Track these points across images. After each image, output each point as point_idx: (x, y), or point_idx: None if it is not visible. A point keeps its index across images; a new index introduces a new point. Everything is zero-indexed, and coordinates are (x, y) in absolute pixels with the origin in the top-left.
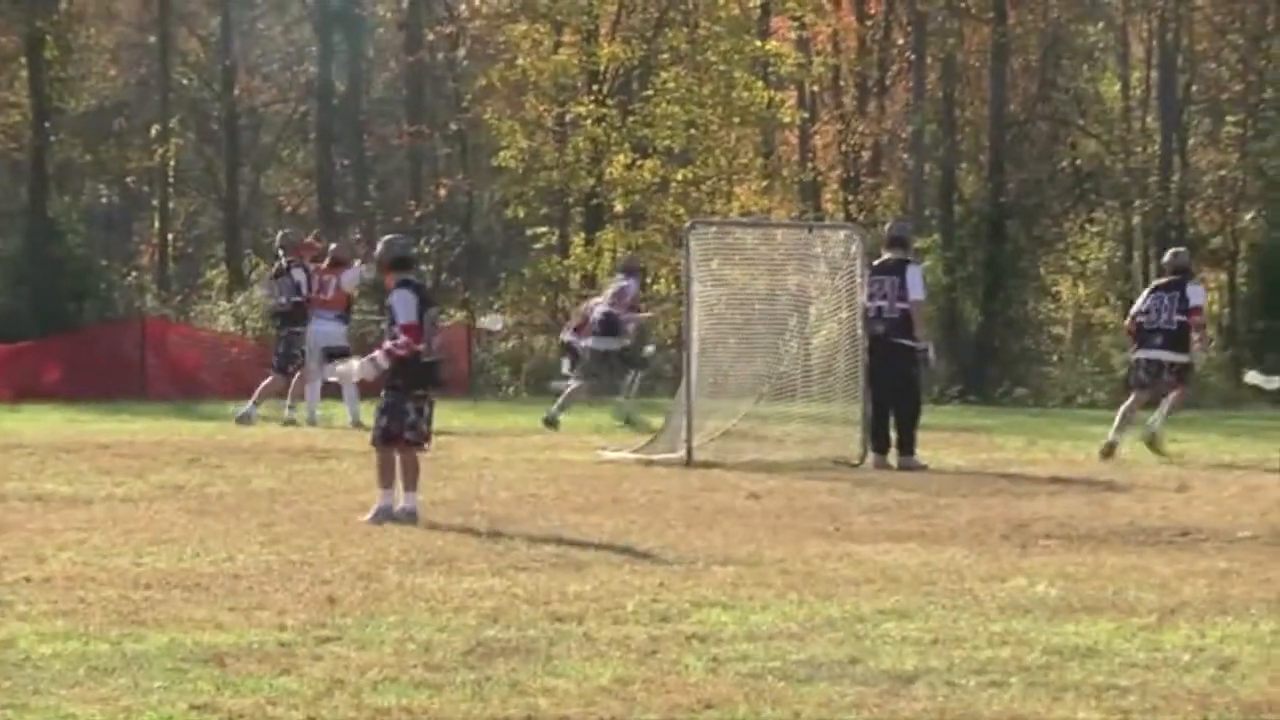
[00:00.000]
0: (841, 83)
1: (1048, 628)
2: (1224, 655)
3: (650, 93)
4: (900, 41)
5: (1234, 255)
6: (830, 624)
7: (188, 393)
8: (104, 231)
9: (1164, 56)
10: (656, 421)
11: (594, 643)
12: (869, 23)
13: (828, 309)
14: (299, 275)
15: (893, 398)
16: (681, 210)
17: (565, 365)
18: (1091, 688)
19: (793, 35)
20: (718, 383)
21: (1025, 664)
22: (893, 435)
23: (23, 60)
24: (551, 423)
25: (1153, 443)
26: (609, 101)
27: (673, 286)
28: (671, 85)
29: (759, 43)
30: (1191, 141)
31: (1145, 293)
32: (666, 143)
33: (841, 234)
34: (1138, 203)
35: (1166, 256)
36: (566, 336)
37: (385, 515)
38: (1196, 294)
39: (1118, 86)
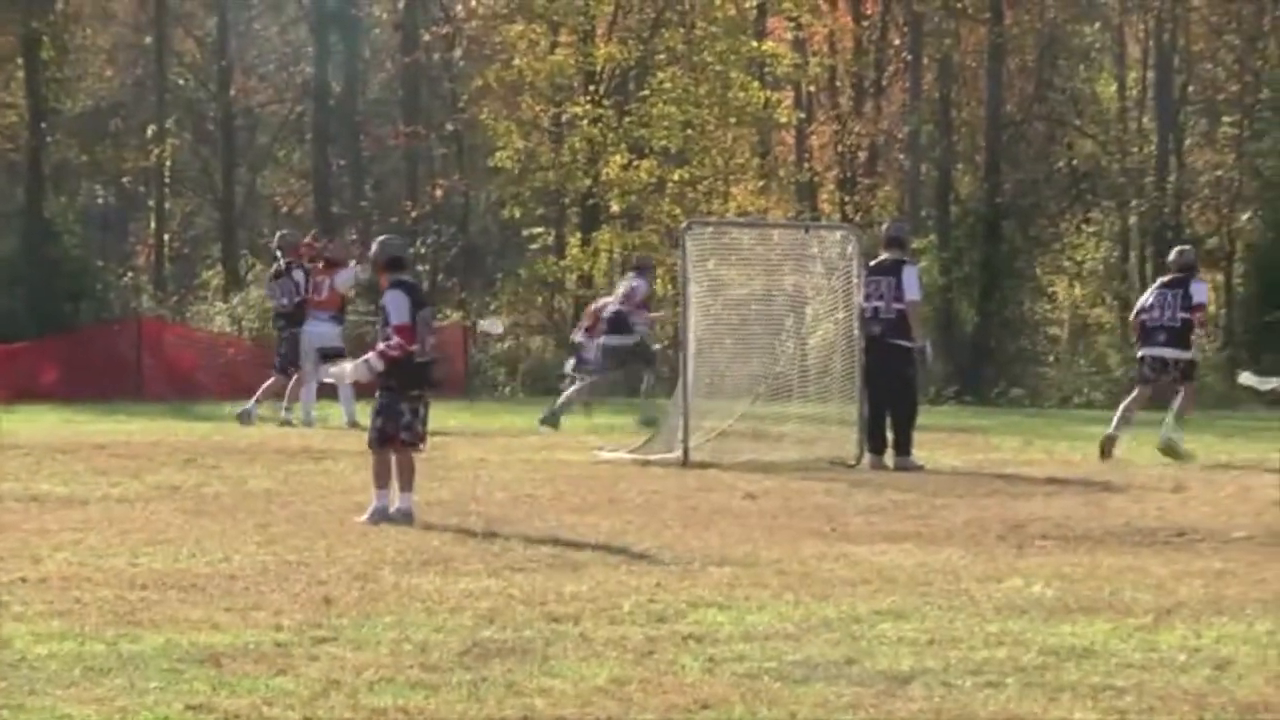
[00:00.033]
0: (838, 83)
1: (1044, 628)
2: (1220, 655)
3: (646, 93)
4: (897, 42)
5: (1230, 255)
6: (826, 624)
7: (184, 393)
8: (100, 232)
9: (1160, 57)
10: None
11: (590, 643)
12: (865, 23)
13: (824, 309)
14: (299, 276)
15: (889, 398)
16: (678, 210)
17: (568, 365)
18: (1088, 688)
19: (789, 36)
20: (714, 383)
21: (1021, 664)
22: (889, 436)
23: (19, 61)
24: (551, 421)
25: (1169, 449)
26: (605, 102)
27: (669, 287)
28: (668, 86)
29: (755, 43)
30: (1188, 142)
31: (1151, 289)
32: (663, 143)
33: (838, 234)
34: (1134, 203)
35: (1172, 255)
36: (578, 337)
37: (381, 516)
38: (1200, 291)
39: (1114, 87)
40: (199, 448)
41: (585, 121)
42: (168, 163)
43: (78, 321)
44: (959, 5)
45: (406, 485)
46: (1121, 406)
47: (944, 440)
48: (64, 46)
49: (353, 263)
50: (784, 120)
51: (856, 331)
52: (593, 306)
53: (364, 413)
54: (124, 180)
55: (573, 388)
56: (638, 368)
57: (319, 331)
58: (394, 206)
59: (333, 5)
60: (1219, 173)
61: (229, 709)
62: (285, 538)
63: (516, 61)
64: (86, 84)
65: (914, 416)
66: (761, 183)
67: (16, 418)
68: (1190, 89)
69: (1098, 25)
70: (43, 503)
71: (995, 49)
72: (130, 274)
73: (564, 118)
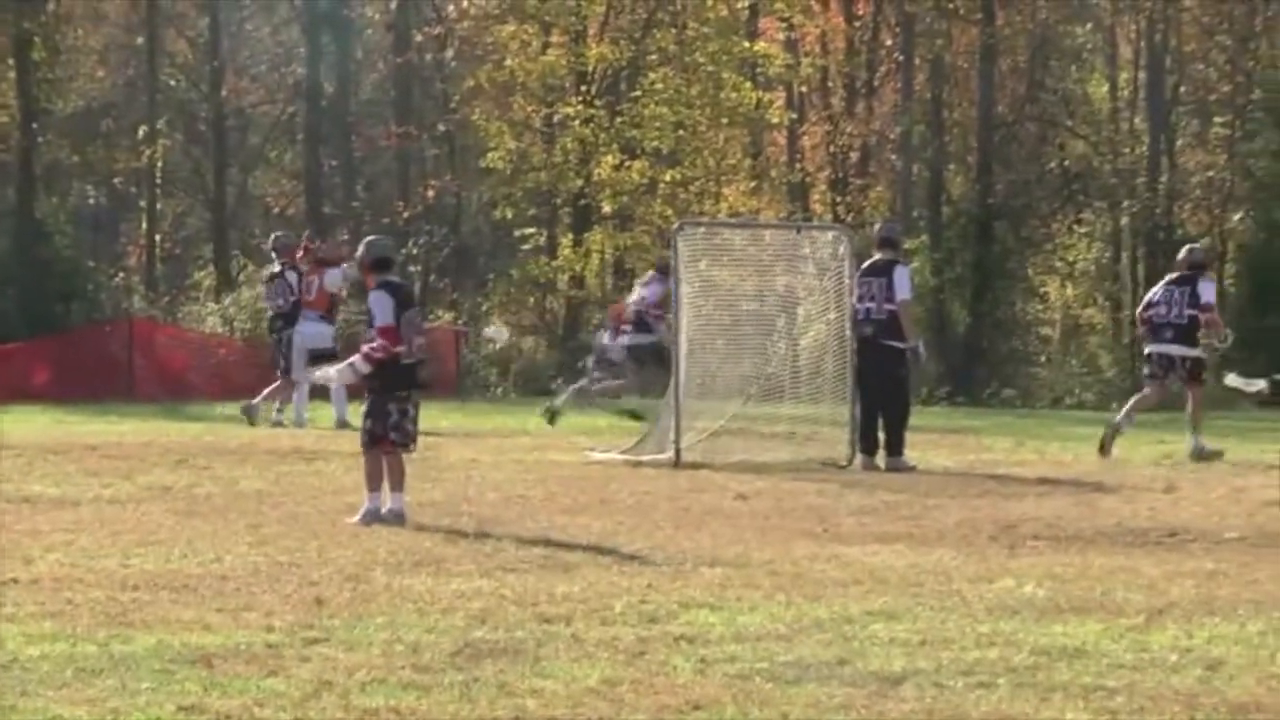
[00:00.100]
0: (830, 83)
1: (1035, 629)
2: (1211, 656)
3: (638, 94)
4: (888, 42)
5: (1222, 256)
6: (818, 625)
7: (175, 394)
8: (91, 233)
9: (1152, 57)
10: None
11: (582, 644)
12: (857, 24)
13: (816, 310)
14: (292, 278)
15: (881, 399)
16: (670, 211)
17: (590, 362)
18: (1079, 688)
19: (781, 36)
20: (706, 384)
21: (1013, 665)
22: (881, 436)
23: (10, 61)
24: (551, 413)
25: (1200, 456)
26: (597, 102)
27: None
28: (660, 86)
29: (747, 43)
30: (1179, 142)
31: (1158, 286)
32: (655, 143)
33: (830, 235)
34: (1126, 204)
35: (1182, 253)
36: (605, 340)
37: (373, 517)
38: (1207, 290)
39: (1106, 87)
40: (191, 449)
41: (577, 122)
42: (159, 163)
43: (69, 322)
44: (951, 6)
45: (397, 486)
46: (1130, 403)
47: (936, 441)
48: (55, 47)
49: (344, 263)
50: (776, 121)
51: (848, 332)
52: (614, 308)
53: (356, 414)
54: (115, 181)
55: (577, 385)
56: (654, 368)
57: (309, 331)
58: (386, 207)
59: (325, 6)
60: (1211, 173)
61: (221, 710)
62: (277, 539)
63: (508, 62)
64: (78, 84)
65: (906, 417)
66: (753, 183)
67: (8, 418)
68: (1182, 89)
69: (1089, 26)
70: (34, 504)
71: (987, 49)
72: (122, 274)
73: (556, 118)
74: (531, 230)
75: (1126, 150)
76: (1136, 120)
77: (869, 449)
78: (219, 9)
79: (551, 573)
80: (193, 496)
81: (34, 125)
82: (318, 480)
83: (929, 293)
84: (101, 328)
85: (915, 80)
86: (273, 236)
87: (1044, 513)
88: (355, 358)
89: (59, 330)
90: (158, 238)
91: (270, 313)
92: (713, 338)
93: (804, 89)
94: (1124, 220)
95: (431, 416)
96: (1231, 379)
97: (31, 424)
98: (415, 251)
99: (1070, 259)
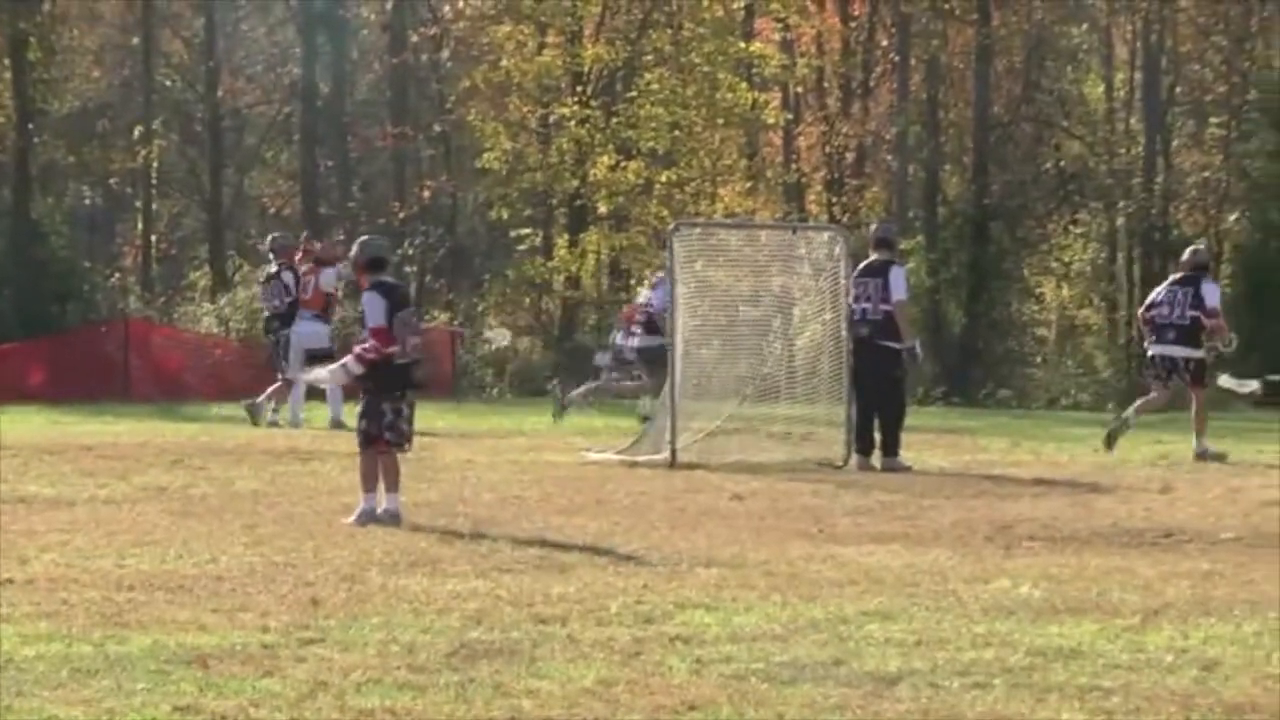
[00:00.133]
0: (825, 84)
1: (1031, 629)
2: (1207, 656)
3: (634, 94)
4: (884, 43)
5: (1217, 257)
6: (814, 626)
7: (171, 394)
8: (87, 233)
9: (1148, 58)
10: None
11: (578, 644)
12: (853, 24)
13: (811, 310)
14: (288, 278)
15: (877, 399)
16: (665, 212)
17: (604, 359)
18: (1075, 689)
19: (777, 37)
20: (701, 384)
21: (1009, 665)
22: (877, 437)
23: (6, 62)
24: (561, 409)
25: (1205, 458)
26: (593, 103)
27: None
28: (655, 87)
29: (743, 44)
30: (1175, 143)
31: (1161, 286)
32: (650, 144)
33: (825, 235)
34: (1121, 204)
35: (1186, 254)
36: (619, 340)
37: (369, 517)
38: (1212, 294)
39: (1101, 88)
40: (186, 449)
41: (573, 122)
42: (155, 164)
43: (65, 322)
44: (946, 6)
45: (392, 486)
46: (1138, 402)
47: (931, 441)
48: (51, 47)
49: (340, 263)
50: (771, 121)
51: (844, 333)
52: (626, 310)
53: (351, 414)
54: (111, 181)
55: (593, 384)
56: (664, 370)
57: (306, 331)
58: (382, 207)
59: (320, 6)
60: (1206, 174)
61: (216, 710)
62: (272, 539)
63: (504, 62)
64: (73, 85)
65: (902, 418)
66: (749, 184)
67: (3, 419)
68: (1178, 90)
69: (1085, 26)
70: (30, 504)
71: (983, 50)
72: (117, 275)
73: (551, 119)
74: (527, 231)
75: (1122, 151)
76: (1132, 121)
77: (865, 449)
78: (214, 9)
79: (547, 573)
80: (188, 497)
81: (30, 126)
82: (313, 481)
83: (924, 293)
84: (97, 328)
85: (911, 81)
86: (270, 237)
87: (1040, 513)
88: (348, 358)
89: (54, 331)
90: (153, 238)
91: (266, 313)
92: (708, 338)
93: (799, 89)
94: (1119, 221)
95: (427, 417)
96: (1224, 380)
97: (27, 424)
98: (411, 252)
99: (1066, 259)
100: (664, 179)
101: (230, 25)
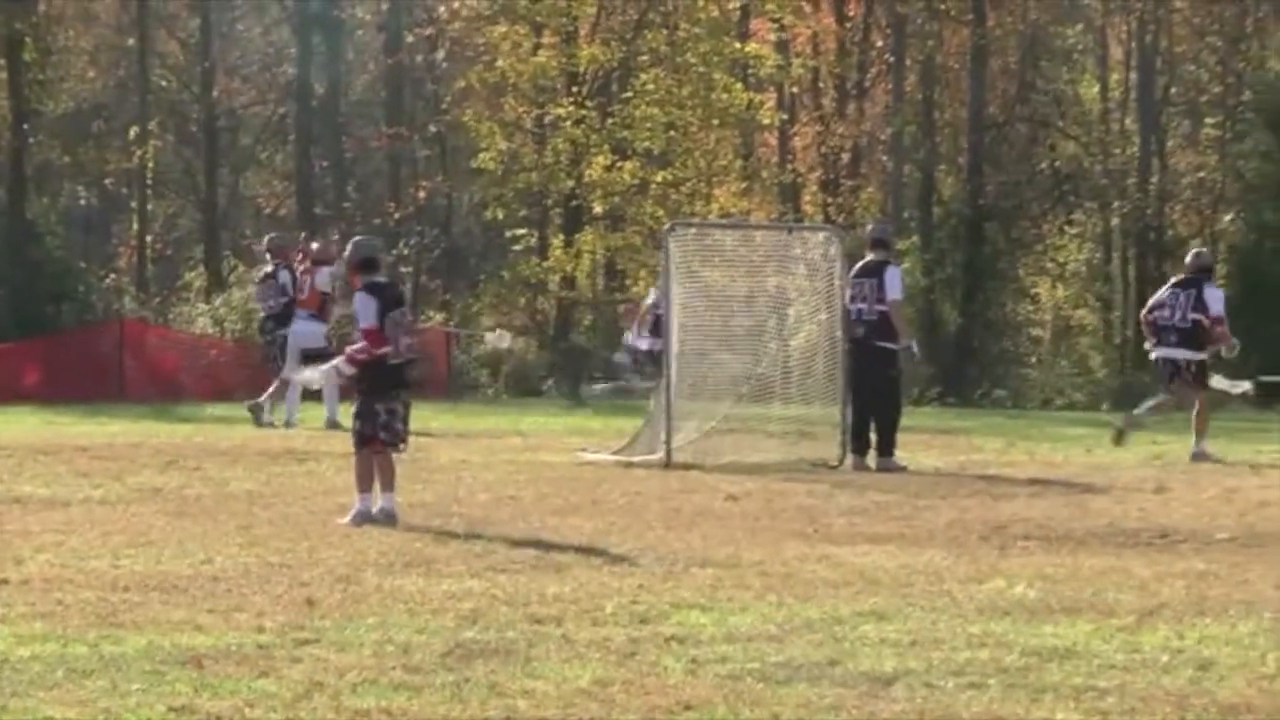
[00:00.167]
0: (821, 84)
1: (1026, 629)
2: (1202, 656)
3: (630, 94)
4: (879, 43)
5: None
6: (809, 626)
7: (166, 395)
8: (82, 233)
9: (1143, 58)
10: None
11: (573, 644)
12: (848, 25)
13: (807, 311)
14: (284, 278)
15: (873, 400)
16: (661, 212)
17: (627, 359)
18: (1070, 689)
19: (772, 37)
20: (696, 384)
21: (1004, 665)
22: (872, 437)
23: (1, 62)
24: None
25: (1203, 458)
26: (588, 103)
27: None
28: (651, 87)
29: (738, 44)
30: (1170, 143)
31: (1164, 288)
32: (646, 144)
33: (821, 236)
34: (1116, 204)
35: (1189, 256)
36: (630, 339)
37: (364, 518)
38: (1217, 301)
39: (1096, 88)
40: (181, 449)
41: (568, 123)
42: (150, 164)
43: (60, 323)
44: (942, 7)
45: (387, 486)
46: (1151, 402)
47: (927, 441)
48: (46, 48)
49: (335, 262)
50: (767, 122)
51: (839, 333)
52: (640, 310)
53: (347, 414)
54: (106, 182)
55: (616, 384)
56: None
57: (302, 331)
58: (377, 208)
59: (316, 7)
60: (1201, 174)
61: (211, 711)
62: (268, 539)
63: (499, 63)
64: (69, 85)
65: (897, 418)
66: (744, 184)
67: None
68: (1173, 90)
69: (1080, 27)
70: (25, 504)
71: (978, 50)
72: (112, 275)
73: (547, 119)
74: (523, 231)
75: (1117, 151)
76: (1127, 121)
77: (860, 449)
78: (210, 10)
79: (543, 573)
80: (183, 497)
81: (25, 126)
82: (308, 481)
83: (920, 293)
84: (92, 328)
85: (906, 81)
86: (267, 237)
87: (1035, 513)
88: (339, 359)
89: (50, 331)
90: (149, 239)
91: (262, 314)
92: (704, 338)
93: (795, 90)
94: (1115, 221)
95: (423, 417)
96: (1216, 381)
97: (22, 425)
98: (406, 252)
99: (1061, 260)
100: (659, 179)
101: (225, 26)
